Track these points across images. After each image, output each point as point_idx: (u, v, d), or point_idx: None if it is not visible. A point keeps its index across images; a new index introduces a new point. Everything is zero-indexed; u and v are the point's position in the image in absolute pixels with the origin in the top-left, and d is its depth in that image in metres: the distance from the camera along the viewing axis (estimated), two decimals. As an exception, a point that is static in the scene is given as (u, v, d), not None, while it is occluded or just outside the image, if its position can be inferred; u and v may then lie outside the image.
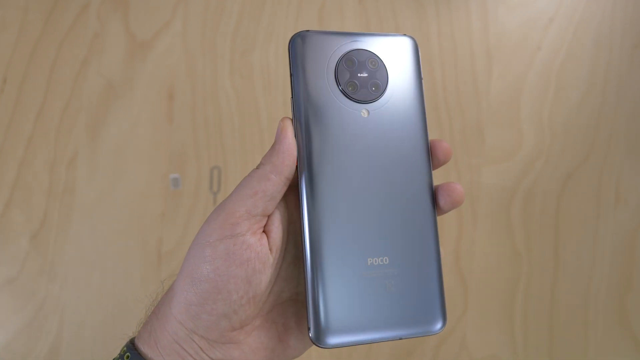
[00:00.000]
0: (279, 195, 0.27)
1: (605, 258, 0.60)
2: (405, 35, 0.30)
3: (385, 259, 0.28)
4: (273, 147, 0.27)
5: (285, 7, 0.62)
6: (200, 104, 0.61)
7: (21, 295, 0.58)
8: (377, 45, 0.29)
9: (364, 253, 0.27)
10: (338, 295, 0.27)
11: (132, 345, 0.27)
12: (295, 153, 0.27)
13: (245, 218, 0.26)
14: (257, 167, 0.27)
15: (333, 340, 0.26)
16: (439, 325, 0.28)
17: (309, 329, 0.27)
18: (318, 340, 0.26)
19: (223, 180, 0.60)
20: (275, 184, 0.26)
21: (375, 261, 0.28)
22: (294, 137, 0.27)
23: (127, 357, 0.26)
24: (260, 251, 0.27)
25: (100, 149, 0.60)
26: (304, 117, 0.27)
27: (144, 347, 0.26)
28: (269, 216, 0.28)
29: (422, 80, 0.30)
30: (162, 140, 0.60)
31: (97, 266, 0.59)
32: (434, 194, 0.29)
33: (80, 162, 0.60)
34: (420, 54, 0.30)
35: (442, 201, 0.29)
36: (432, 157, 0.29)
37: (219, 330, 0.26)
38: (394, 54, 0.30)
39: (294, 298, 0.30)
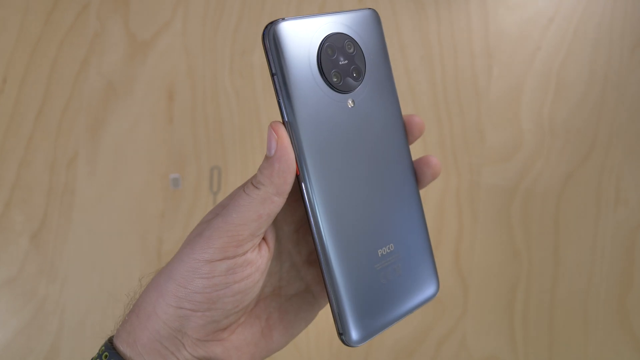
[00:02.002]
0: (279, 211, 0.26)
1: (605, 258, 0.60)
2: (368, 8, 0.29)
3: (391, 246, 0.29)
4: (272, 163, 0.25)
5: (285, 7, 0.62)
6: (200, 104, 0.61)
7: (21, 295, 0.58)
8: (348, 25, 0.28)
9: (374, 247, 0.28)
10: (362, 295, 0.27)
11: (110, 345, 0.26)
12: (295, 167, 0.26)
13: (249, 240, 0.25)
14: (257, 187, 0.25)
15: (363, 335, 0.27)
16: (434, 289, 0.30)
17: (340, 334, 0.27)
18: (353, 342, 0.27)
19: (223, 180, 0.60)
20: (279, 204, 0.26)
21: (384, 251, 0.28)
22: (292, 148, 0.25)
23: (106, 356, 0.26)
24: (261, 264, 0.26)
25: (100, 149, 0.60)
26: (298, 120, 0.26)
27: (122, 346, 0.26)
28: None
29: (389, 56, 0.30)
30: (162, 140, 0.60)
31: (97, 266, 0.59)
32: (414, 170, 0.30)
33: (80, 162, 0.60)
34: (382, 27, 0.29)
35: (422, 175, 0.30)
36: (407, 133, 0.30)
37: (205, 331, 0.26)
38: (364, 31, 0.28)
39: (276, 292, 0.30)
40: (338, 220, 0.27)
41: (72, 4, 0.61)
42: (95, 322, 0.58)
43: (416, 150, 0.60)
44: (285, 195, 0.26)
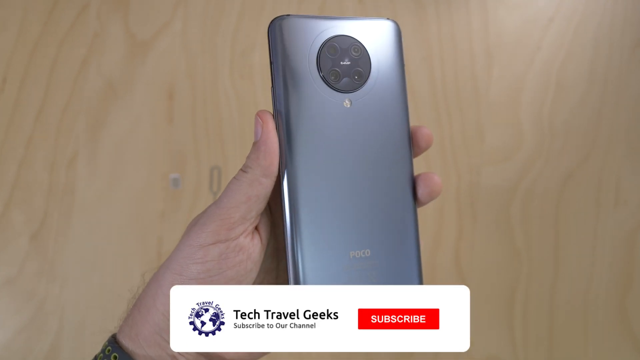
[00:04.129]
0: (269, 194, 0.27)
1: (605, 258, 0.60)
2: (388, 19, 0.29)
3: (367, 252, 0.28)
4: (258, 147, 0.26)
5: (286, 7, 0.62)
6: (200, 104, 0.61)
7: (21, 295, 0.58)
8: (360, 31, 0.28)
9: (346, 247, 0.27)
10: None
11: (113, 340, 0.27)
12: (278, 150, 0.27)
13: (240, 223, 0.26)
14: (245, 171, 0.26)
15: None
16: None
17: None
18: None
19: (223, 180, 0.60)
20: (267, 186, 0.26)
21: (357, 254, 0.28)
22: (276, 133, 0.27)
23: (109, 350, 0.26)
24: (253, 252, 0.27)
25: (100, 149, 0.60)
26: (285, 108, 0.27)
27: (125, 340, 0.27)
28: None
29: (404, 67, 0.29)
30: (162, 140, 0.60)
31: (97, 266, 0.59)
32: (414, 183, 0.29)
33: (80, 162, 0.60)
34: (402, 39, 0.29)
35: (420, 192, 0.29)
36: (413, 144, 0.29)
37: None
38: (377, 39, 0.28)
39: None
40: (311, 212, 0.27)
41: (72, 4, 0.61)
42: (95, 322, 0.58)
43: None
44: (273, 177, 0.26)
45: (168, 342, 0.26)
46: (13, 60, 0.60)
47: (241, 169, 0.27)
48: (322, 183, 0.27)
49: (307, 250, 0.27)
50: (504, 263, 0.60)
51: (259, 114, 0.27)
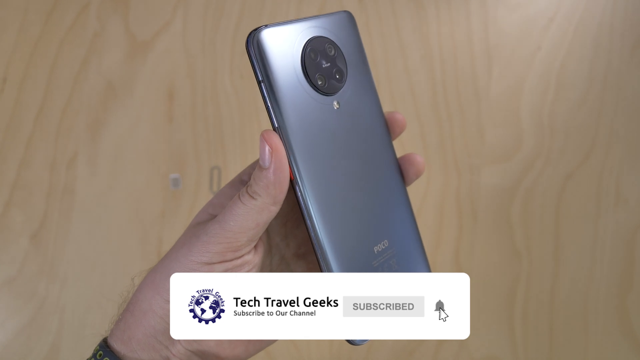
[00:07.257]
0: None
1: (605, 258, 0.60)
2: (344, 11, 0.30)
3: (386, 242, 0.29)
4: (267, 175, 0.25)
5: (285, 7, 0.62)
6: (200, 104, 0.61)
7: (21, 295, 0.58)
8: (326, 28, 0.29)
9: (371, 244, 0.28)
10: None
11: (104, 344, 0.27)
12: (289, 178, 0.26)
13: (246, 245, 0.26)
14: (253, 197, 0.25)
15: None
16: None
17: None
18: (357, 341, 0.27)
19: (223, 180, 0.60)
20: (275, 212, 0.26)
21: (380, 247, 0.29)
22: (287, 159, 0.26)
23: (100, 355, 0.26)
24: (257, 262, 0.27)
25: (100, 149, 0.60)
26: (288, 124, 0.26)
27: (117, 344, 0.26)
28: None
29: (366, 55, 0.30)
30: (162, 140, 0.60)
31: (97, 266, 0.59)
32: (399, 168, 0.31)
33: (80, 162, 0.60)
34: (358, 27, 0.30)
35: (405, 173, 0.30)
36: (389, 130, 0.30)
37: None
38: (341, 32, 0.29)
39: None
40: (334, 222, 0.27)
41: (72, 4, 0.61)
42: (95, 322, 0.58)
43: (415, 150, 0.60)
44: (281, 203, 0.26)
45: (163, 345, 0.26)
46: (13, 60, 0.60)
47: (248, 193, 0.26)
48: (336, 189, 0.27)
49: (340, 258, 0.27)
50: (504, 263, 0.60)
51: (266, 138, 0.25)
